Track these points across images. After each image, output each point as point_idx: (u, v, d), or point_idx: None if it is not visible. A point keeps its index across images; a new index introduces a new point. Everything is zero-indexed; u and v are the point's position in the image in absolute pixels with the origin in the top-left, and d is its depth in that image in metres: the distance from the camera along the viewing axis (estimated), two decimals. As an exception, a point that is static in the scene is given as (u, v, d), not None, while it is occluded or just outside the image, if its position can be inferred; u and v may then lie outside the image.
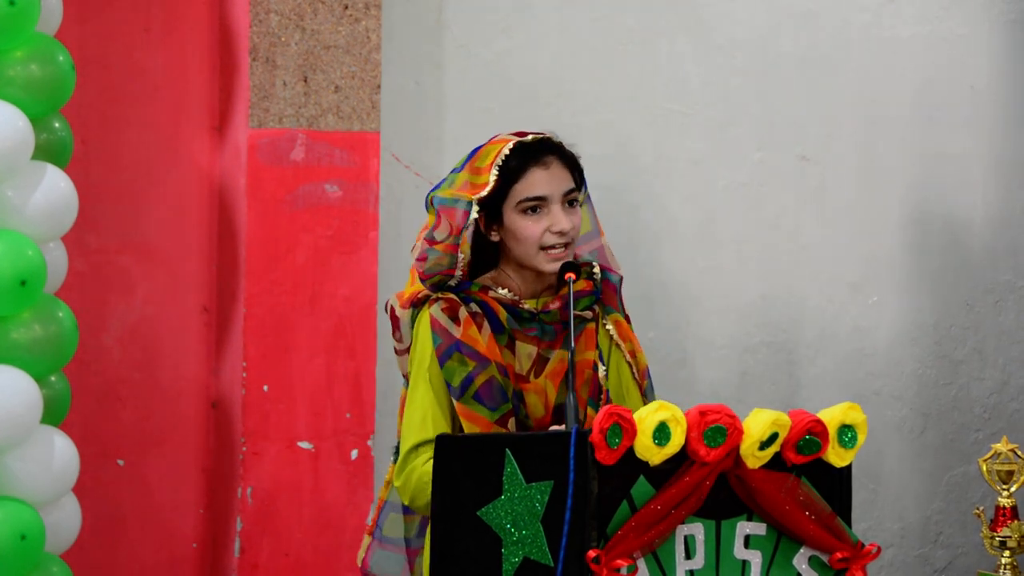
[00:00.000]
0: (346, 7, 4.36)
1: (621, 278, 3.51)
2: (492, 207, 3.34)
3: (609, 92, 4.80)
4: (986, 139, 5.17)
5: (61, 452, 3.87)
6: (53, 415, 3.93)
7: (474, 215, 3.31)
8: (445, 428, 3.29)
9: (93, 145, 4.33)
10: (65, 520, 3.94)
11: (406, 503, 3.32)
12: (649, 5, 4.83)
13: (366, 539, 3.54)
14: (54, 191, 3.86)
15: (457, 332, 3.30)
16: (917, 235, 5.11)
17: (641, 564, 2.85)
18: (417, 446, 3.29)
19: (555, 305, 3.37)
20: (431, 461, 3.22)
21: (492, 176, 3.32)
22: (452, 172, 3.41)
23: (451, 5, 4.64)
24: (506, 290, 3.37)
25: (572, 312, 3.26)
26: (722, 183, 4.92)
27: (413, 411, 3.32)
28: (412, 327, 3.38)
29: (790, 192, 4.98)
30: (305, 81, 4.33)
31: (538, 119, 4.67)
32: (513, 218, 3.34)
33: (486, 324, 3.33)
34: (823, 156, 5.01)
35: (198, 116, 4.41)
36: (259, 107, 4.30)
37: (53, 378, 3.95)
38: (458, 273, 3.36)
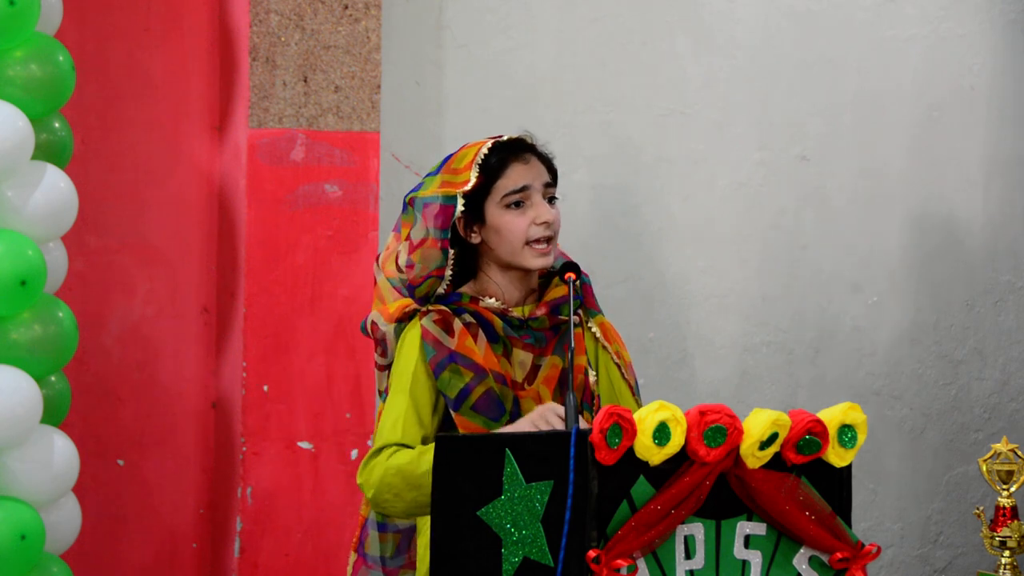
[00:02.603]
0: (346, 7, 4.36)
1: (589, 276, 3.52)
2: (472, 207, 3.34)
3: (609, 92, 4.80)
4: (986, 139, 5.17)
5: (61, 452, 3.87)
6: (53, 415, 3.93)
7: (460, 208, 3.31)
8: (416, 436, 3.27)
9: (93, 145, 4.33)
10: (65, 520, 3.94)
11: (370, 497, 3.26)
12: (649, 5, 4.83)
13: (352, 555, 3.52)
14: (54, 191, 3.86)
15: (452, 343, 3.30)
16: (917, 235, 5.11)
17: (641, 564, 2.85)
18: (382, 448, 3.26)
19: (541, 311, 3.37)
20: (395, 455, 3.21)
21: (473, 174, 3.33)
22: (426, 176, 3.41)
23: (451, 5, 4.65)
24: (493, 299, 3.37)
25: (572, 309, 3.26)
26: (722, 183, 4.92)
27: (387, 417, 3.30)
28: (396, 341, 3.37)
29: (790, 192, 4.99)
30: (305, 81, 4.33)
31: (538, 119, 4.68)
32: (497, 214, 3.34)
33: (481, 334, 3.33)
34: (823, 156, 5.01)
35: (198, 116, 4.41)
36: (259, 107, 4.30)
37: (53, 378, 3.95)
38: (448, 273, 3.35)
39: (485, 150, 3.36)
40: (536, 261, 3.34)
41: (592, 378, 3.42)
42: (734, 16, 4.91)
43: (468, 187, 3.32)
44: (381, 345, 3.41)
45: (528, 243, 3.33)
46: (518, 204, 3.34)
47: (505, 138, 3.40)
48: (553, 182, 3.42)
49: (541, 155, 3.42)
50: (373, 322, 3.41)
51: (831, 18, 5.00)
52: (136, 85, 4.37)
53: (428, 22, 4.63)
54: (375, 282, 3.46)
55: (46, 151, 3.92)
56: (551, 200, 3.39)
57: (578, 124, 4.74)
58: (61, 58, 3.89)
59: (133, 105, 4.37)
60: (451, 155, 3.41)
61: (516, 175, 3.35)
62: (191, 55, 4.39)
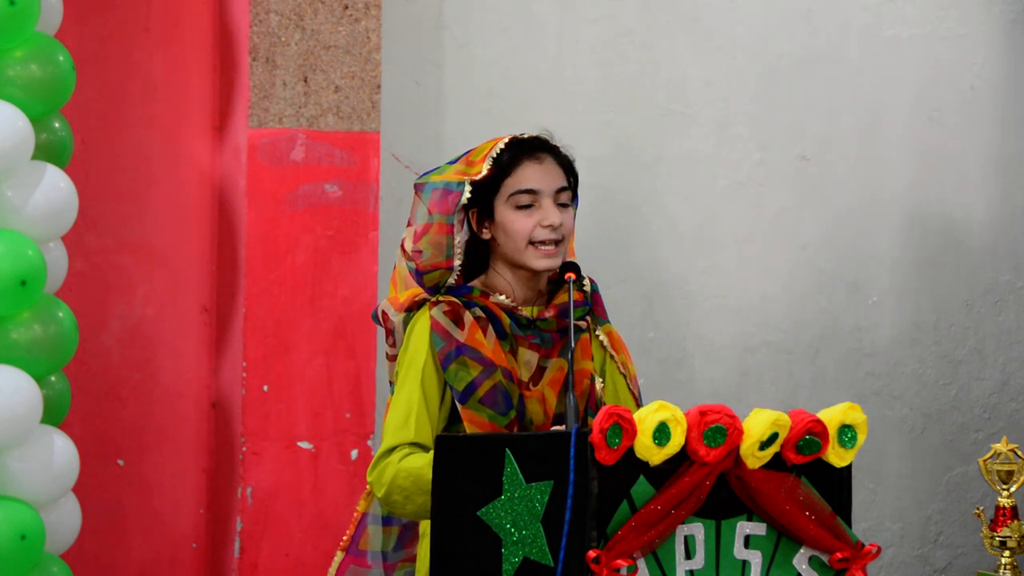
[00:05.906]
0: (346, 7, 4.36)
1: (597, 283, 3.51)
2: (484, 202, 3.33)
3: (609, 92, 4.80)
4: (986, 139, 5.17)
5: (61, 452, 3.87)
6: (53, 415, 3.93)
7: (466, 195, 3.30)
8: (429, 432, 3.26)
9: (93, 145, 4.33)
10: (65, 520, 3.94)
11: (379, 496, 3.25)
12: (649, 5, 4.83)
13: (338, 555, 3.48)
14: (54, 191, 3.86)
15: (461, 336, 3.28)
16: (917, 235, 5.11)
17: (641, 564, 2.84)
18: (393, 448, 3.25)
19: (550, 313, 3.36)
20: (409, 458, 3.20)
21: (485, 166, 3.31)
22: (446, 164, 3.40)
23: (451, 5, 4.64)
24: (503, 296, 3.36)
25: (572, 310, 3.26)
26: (722, 183, 4.92)
27: (397, 410, 3.28)
28: (405, 331, 3.36)
29: (790, 192, 4.98)
30: (305, 81, 4.33)
31: (538, 119, 4.67)
32: (504, 212, 3.32)
33: (491, 329, 3.31)
34: (823, 156, 5.01)
35: (198, 116, 4.41)
36: (259, 107, 4.30)
37: (53, 378, 3.95)
38: (456, 264, 3.34)
39: (502, 145, 3.34)
40: (540, 262, 3.32)
41: (599, 385, 3.41)
42: (734, 16, 4.91)
43: (478, 177, 3.31)
44: (391, 335, 3.40)
45: (532, 244, 3.32)
46: (525, 205, 3.32)
47: (526, 135, 3.39)
48: (569, 186, 3.39)
49: (559, 157, 3.39)
50: (384, 312, 3.40)
51: (831, 18, 5.00)
52: (136, 85, 4.37)
53: (428, 22, 4.63)
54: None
55: (46, 151, 3.92)
56: (563, 205, 3.36)
57: (578, 124, 4.73)
58: (61, 58, 3.89)
59: (133, 105, 4.37)
60: (471, 149, 3.40)
61: (526, 175, 3.32)
62: (191, 55, 4.39)
